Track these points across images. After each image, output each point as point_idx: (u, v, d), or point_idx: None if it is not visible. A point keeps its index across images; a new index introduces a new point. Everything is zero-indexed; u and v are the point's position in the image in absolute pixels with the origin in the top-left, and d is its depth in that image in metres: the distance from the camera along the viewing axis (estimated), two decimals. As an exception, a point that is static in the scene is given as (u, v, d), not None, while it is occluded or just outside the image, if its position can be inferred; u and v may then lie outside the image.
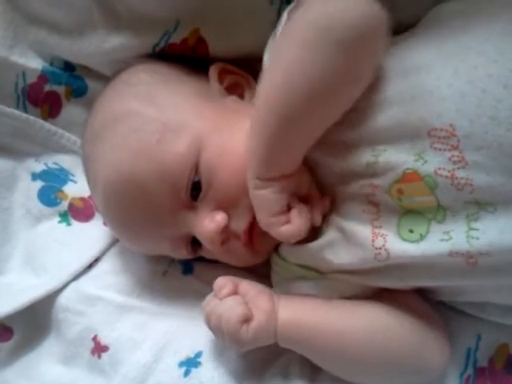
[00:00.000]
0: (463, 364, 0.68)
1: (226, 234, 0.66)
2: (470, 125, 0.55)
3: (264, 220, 0.61)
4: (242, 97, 0.73)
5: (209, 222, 0.65)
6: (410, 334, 0.64)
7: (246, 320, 0.63)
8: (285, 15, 0.62)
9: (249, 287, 0.67)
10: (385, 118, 0.58)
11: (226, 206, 0.66)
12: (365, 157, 0.59)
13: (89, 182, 0.75)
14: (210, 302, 0.66)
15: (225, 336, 0.63)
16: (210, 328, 0.66)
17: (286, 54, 0.57)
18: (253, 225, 0.66)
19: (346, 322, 0.65)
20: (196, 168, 0.65)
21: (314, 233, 0.65)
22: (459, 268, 0.58)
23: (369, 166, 0.59)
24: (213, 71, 0.72)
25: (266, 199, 0.60)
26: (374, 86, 0.59)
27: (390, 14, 0.55)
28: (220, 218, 0.65)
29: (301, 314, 0.65)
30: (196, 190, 0.66)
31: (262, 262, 0.73)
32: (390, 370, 0.65)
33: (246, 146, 0.61)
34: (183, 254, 0.71)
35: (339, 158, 0.61)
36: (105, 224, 0.82)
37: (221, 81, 0.72)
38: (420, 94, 0.57)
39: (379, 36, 0.56)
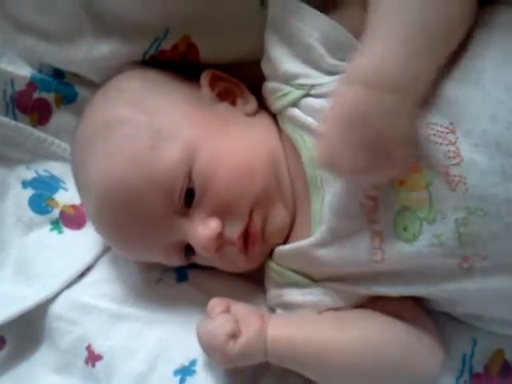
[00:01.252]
0: (459, 369, 0.68)
1: (220, 240, 0.66)
2: (471, 123, 0.55)
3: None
4: (234, 103, 0.72)
5: (203, 229, 0.65)
6: (402, 343, 0.64)
7: (234, 336, 0.64)
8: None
9: (240, 307, 0.69)
10: None
11: (220, 212, 0.65)
12: None
13: (79, 190, 0.74)
14: (204, 322, 0.67)
15: (212, 352, 0.65)
16: (202, 347, 0.67)
17: None
18: (247, 231, 0.66)
19: (336, 336, 0.65)
20: (189, 175, 0.64)
21: (308, 230, 0.65)
22: (454, 273, 0.58)
23: None
24: (204, 78, 0.72)
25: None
26: None
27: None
28: (214, 224, 0.65)
29: (291, 330, 0.66)
30: (189, 196, 0.65)
31: (256, 267, 0.73)
32: (383, 379, 0.65)
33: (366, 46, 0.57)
34: (176, 261, 0.71)
35: None
36: (97, 231, 0.81)
37: (212, 87, 0.72)
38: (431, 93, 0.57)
39: None
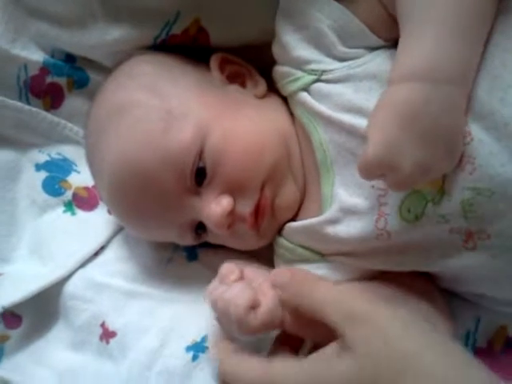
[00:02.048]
0: (463, 345, 0.68)
1: (232, 217, 0.67)
2: (482, 106, 0.55)
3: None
4: (243, 86, 0.73)
5: (215, 207, 0.66)
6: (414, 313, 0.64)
7: (254, 306, 0.60)
8: None
9: (254, 274, 0.66)
10: None
11: (232, 190, 0.66)
12: None
13: (92, 173, 0.75)
14: (217, 287, 0.64)
15: (232, 322, 0.61)
16: (217, 314, 0.64)
17: None
18: (258, 207, 0.67)
19: None
20: (200, 154, 0.65)
21: (318, 209, 0.66)
22: (458, 250, 0.59)
23: None
24: (214, 61, 0.73)
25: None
26: None
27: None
28: (226, 202, 0.66)
29: None
30: (201, 175, 0.66)
31: (266, 245, 0.74)
32: None
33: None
34: (189, 240, 0.72)
35: None
36: (109, 212, 0.83)
37: (222, 70, 0.73)
38: None
39: None
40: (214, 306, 0.63)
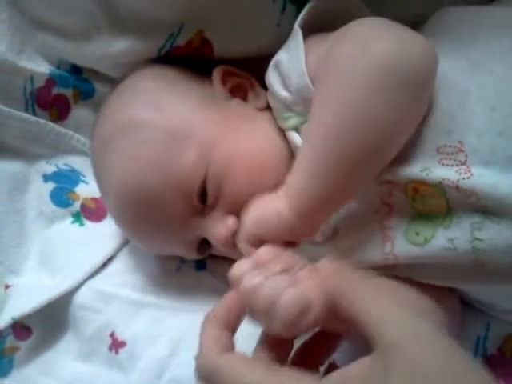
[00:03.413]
0: (473, 352, 0.68)
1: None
2: (478, 140, 0.55)
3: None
4: (245, 99, 0.73)
5: (221, 227, 0.66)
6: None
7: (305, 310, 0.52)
8: (297, 29, 0.62)
9: (292, 261, 0.56)
10: None
11: (237, 210, 0.66)
12: None
13: (99, 188, 0.75)
14: (253, 276, 0.53)
15: (277, 322, 0.51)
16: (251, 305, 0.53)
17: (346, 95, 0.54)
18: None
19: None
20: (205, 177, 0.65)
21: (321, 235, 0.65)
22: (467, 271, 0.58)
23: (380, 176, 0.59)
24: (216, 74, 0.73)
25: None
26: None
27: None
28: (231, 222, 0.66)
29: None
30: (205, 197, 0.66)
31: None
32: None
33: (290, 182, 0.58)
34: (194, 255, 0.73)
35: None
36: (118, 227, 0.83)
37: (224, 83, 0.73)
38: (433, 111, 0.57)
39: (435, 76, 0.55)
40: (249, 295, 0.53)
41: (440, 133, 0.56)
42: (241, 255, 0.70)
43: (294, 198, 0.56)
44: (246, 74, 0.74)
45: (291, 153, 0.68)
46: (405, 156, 0.57)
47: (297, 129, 0.66)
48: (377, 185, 0.60)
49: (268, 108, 0.71)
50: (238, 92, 0.73)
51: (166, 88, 0.71)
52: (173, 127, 0.66)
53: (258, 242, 0.57)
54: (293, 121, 0.65)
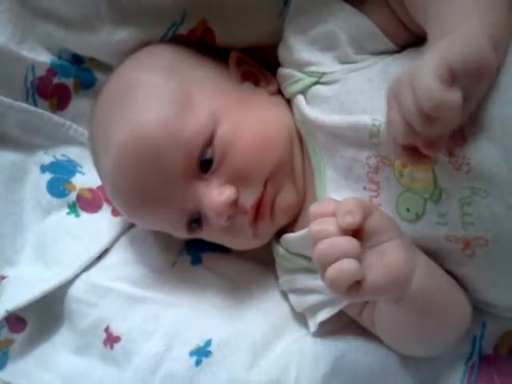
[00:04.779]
0: (469, 351, 0.69)
1: (233, 208, 0.66)
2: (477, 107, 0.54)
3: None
4: (257, 84, 0.74)
5: (218, 195, 0.65)
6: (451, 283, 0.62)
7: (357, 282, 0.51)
8: None
9: (381, 227, 0.54)
10: None
11: (236, 180, 0.66)
12: (367, 127, 0.60)
13: (97, 150, 0.73)
14: (326, 221, 0.52)
15: (329, 279, 0.51)
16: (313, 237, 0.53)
17: None
18: (260, 203, 0.67)
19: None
20: (210, 142, 0.65)
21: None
22: (457, 257, 0.59)
23: (372, 136, 0.60)
24: (232, 58, 0.74)
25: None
26: None
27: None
28: (229, 191, 0.65)
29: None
30: (208, 163, 0.66)
31: (258, 246, 0.74)
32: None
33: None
34: (183, 231, 0.71)
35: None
36: (113, 213, 0.83)
37: (238, 68, 0.73)
38: None
39: None
40: (313, 238, 0.53)
41: None
42: (231, 236, 0.70)
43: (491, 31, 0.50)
44: (256, 63, 0.75)
45: (296, 138, 0.70)
46: None
47: (304, 92, 0.67)
48: (364, 159, 0.61)
49: (278, 93, 0.73)
50: (250, 78, 0.74)
51: (182, 58, 0.72)
52: (186, 90, 0.67)
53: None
54: (304, 82, 0.67)
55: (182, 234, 0.72)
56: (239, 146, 0.66)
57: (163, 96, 0.66)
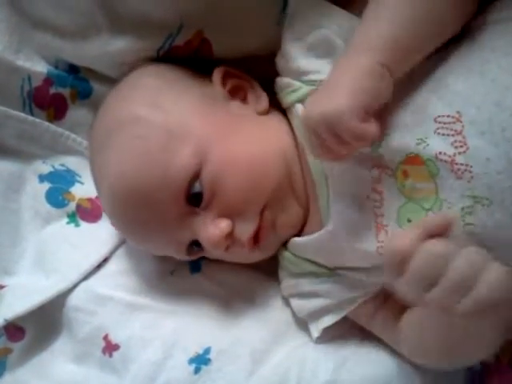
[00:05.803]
0: None
1: (230, 240, 0.67)
2: (476, 111, 0.55)
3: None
4: (244, 100, 0.73)
5: (213, 229, 0.66)
6: None
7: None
8: None
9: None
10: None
11: (231, 213, 0.66)
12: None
13: (96, 186, 0.75)
14: (442, 243, 0.49)
15: (467, 299, 0.48)
16: (422, 269, 0.49)
17: None
18: (258, 231, 0.67)
19: None
20: (197, 176, 0.65)
21: (319, 222, 0.66)
22: None
23: (373, 150, 0.59)
24: (216, 75, 0.72)
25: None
26: None
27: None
28: (224, 225, 0.66)
29: None
30: (198, 198, 0.66)
31: (268, 258, 0.74)
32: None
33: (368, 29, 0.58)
34: (183, 256, 0.72)
35: None
36: (113, 224, 0.83)
37: (224, 84, 0.72)
38: (437, 88, 0.58)
39: None
40: (434, 260, 0.49)
41: (440, 104, 0.57)
42: (234, 258, 0.71)
43: (378, 48, 0.56)
44: (246, 75, 0.74)
45: (296, 151, 0.69)
46: (404, 123, 0.58)
47: (302, 101, 0.66)
48: (367, 169, 0.60)
49: (269, 111, 0.72)
50: (238, 94, 0.73)
51: (165, 86, 0.71)
52: (170, 125, 0.66)
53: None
54: (302, 90, 0.66)
55: (183, 257, 0.73)
56: (229, 179, 0.65)
57: (144, 134, 0.66)
